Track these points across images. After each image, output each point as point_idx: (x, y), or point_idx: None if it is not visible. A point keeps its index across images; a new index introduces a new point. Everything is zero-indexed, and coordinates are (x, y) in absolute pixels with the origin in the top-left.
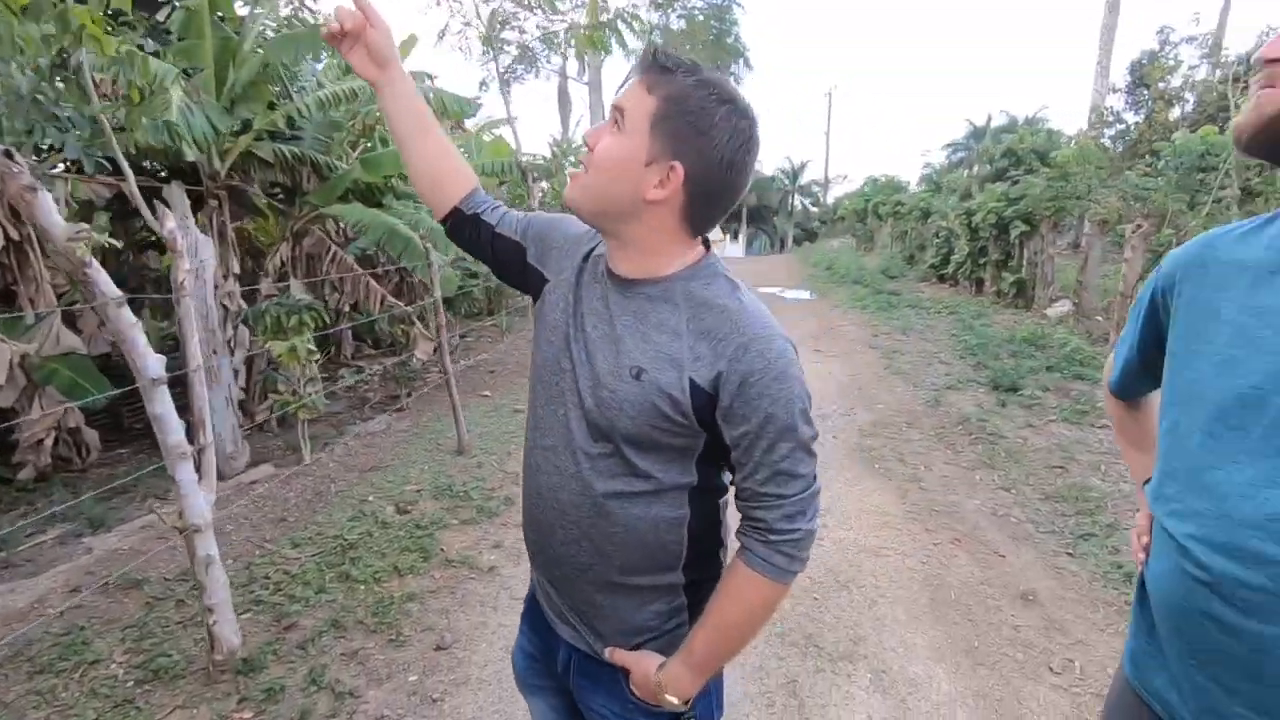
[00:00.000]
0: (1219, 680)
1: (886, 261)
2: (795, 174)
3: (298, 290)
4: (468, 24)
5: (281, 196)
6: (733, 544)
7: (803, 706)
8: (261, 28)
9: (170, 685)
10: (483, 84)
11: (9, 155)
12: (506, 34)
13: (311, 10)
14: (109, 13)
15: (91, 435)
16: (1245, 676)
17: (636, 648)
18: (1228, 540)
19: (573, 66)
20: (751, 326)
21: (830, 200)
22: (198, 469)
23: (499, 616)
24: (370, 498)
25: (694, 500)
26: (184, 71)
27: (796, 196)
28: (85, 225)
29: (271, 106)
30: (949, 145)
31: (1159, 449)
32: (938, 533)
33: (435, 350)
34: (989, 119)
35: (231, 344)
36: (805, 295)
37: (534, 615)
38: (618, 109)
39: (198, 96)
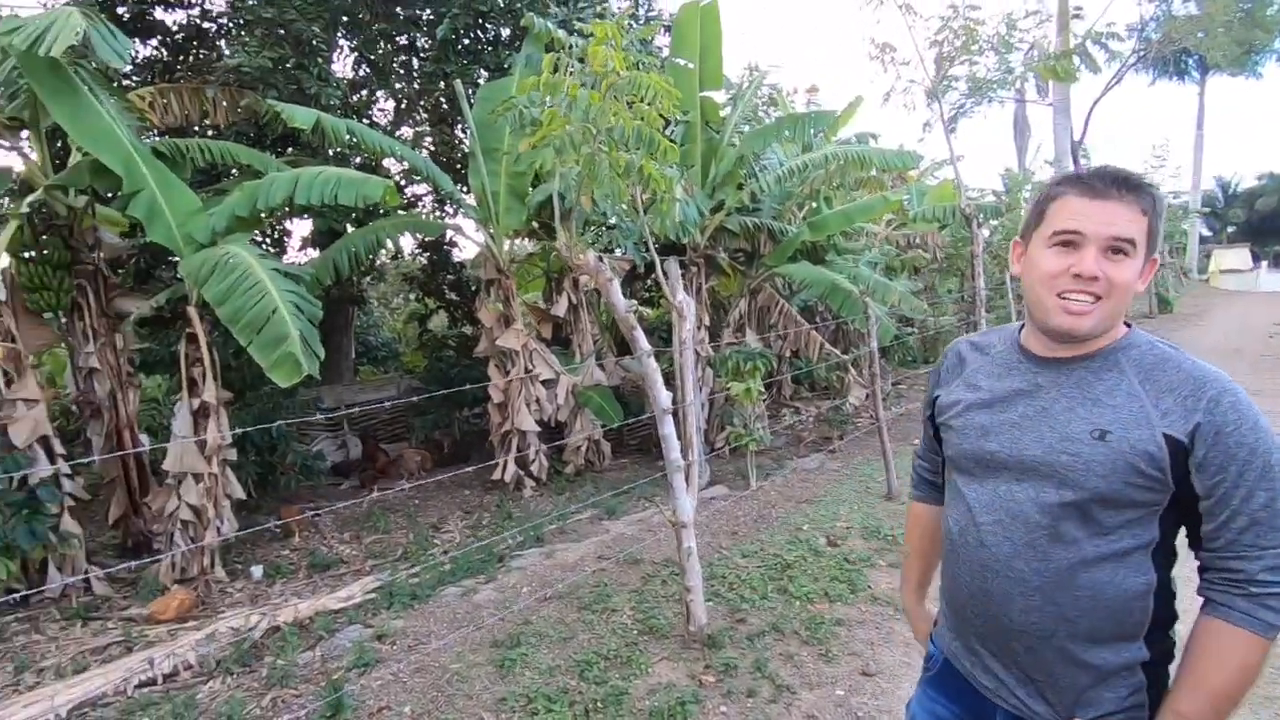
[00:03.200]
0: None
1: None
2: None
3: (752, 339)
4: (913, 82)
5: (742, 259)
6: (1185, 618)
7: None
8: (737, 122)
9: (660, 640)
10: (926, 125)
11: (600, 258)
12: (955, 69)
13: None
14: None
15: (605, 446)
16: None
17: None
18: None
19: (1031, 89)
20: (1217, 380)
21: None
22: (686, 479)
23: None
24: (804, 526)
25: (1156, 562)
26: (681, 170)
27: None
28: (634, 301)
29: (739, 187)
30: None
31: None
32: None
33: (867, 397)
34: None
35: (700, 383)
36: None
37: (951, 683)
38: (1127, 240)
39: (691, 191)
